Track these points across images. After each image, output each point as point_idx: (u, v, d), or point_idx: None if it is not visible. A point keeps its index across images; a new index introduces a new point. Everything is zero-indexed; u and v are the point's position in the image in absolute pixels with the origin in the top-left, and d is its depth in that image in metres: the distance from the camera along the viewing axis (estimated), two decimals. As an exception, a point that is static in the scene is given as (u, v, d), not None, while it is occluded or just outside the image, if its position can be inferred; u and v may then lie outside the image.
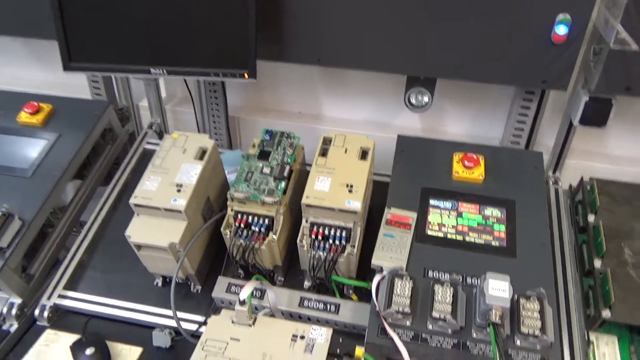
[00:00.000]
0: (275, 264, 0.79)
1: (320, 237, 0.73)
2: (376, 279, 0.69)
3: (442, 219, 0.76)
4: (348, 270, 0.75)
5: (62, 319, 0.81)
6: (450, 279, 0.69)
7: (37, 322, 0.79)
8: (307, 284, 0.80)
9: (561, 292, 0.76)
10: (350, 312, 0.75)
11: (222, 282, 0.79)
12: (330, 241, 0.73)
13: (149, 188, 0.74)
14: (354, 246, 0.72)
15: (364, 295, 0.77)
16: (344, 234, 0.73)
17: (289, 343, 0.58)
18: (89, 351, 0.74)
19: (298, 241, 0.72)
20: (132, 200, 0.73)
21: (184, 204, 0.72)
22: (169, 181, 0.75)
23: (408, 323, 0.66)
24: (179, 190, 0.73)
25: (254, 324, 0.60)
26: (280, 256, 0.77)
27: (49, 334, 0.77)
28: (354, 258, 0.73)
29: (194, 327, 0.77)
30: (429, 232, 0.75)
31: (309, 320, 0.76)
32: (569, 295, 0.76)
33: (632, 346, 0.68)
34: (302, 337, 0.58)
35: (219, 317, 0.61)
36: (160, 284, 0.83)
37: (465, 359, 0.64)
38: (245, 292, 0.59)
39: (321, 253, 0.72)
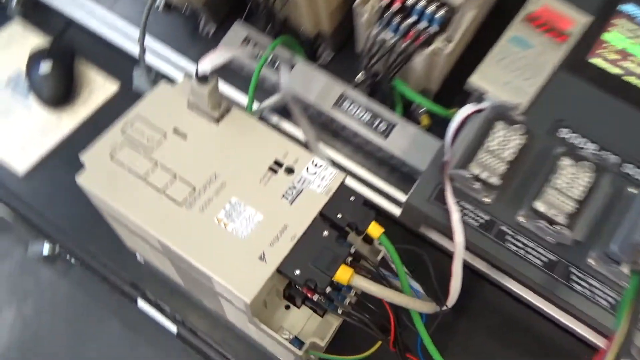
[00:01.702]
0: (321, 29, 0.49)
1: (396, 8, 0.40)
2: (465, 109, 0.40)
3: (630, 43, 0.41)
4: (427, 80, 0.44)
5: (37, 12, 0.60)
6: (596, 156, 0.38)
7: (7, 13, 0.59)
8: (360, 77, 0.51)
9: None
10: (406, 140, 0.47)
11: (237, 31, 0.51)
12: (411, 20, 0.40)
13: None
14: (450, 41, 0.40)
15: (439, 126, 0.48)
16: (438, 15, 0.39)
17: (263, 172, 0.32)
18: (45, 67, 0.54)
19: (355, 5, 0.41)
20: None
21: None
22: None
23: (488, 200, 0.39)
24: None
25: (220, 119, 0.34)
26: (328, 17, 0.47)
27: (15, 29, 0.57)
28: (444, 62, 0.42)
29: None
30: (594, 60, 0.40)
31: (343, 130, 0.49)
32: None
33: None
34: (290, 171, 0.32)
35: (170, 89, 0.35)
36: (161, 7, 0.57)
37: (557, 291, 0.37)
38: (212, 60, 0.31)
39: (389, 36, 0.41)
